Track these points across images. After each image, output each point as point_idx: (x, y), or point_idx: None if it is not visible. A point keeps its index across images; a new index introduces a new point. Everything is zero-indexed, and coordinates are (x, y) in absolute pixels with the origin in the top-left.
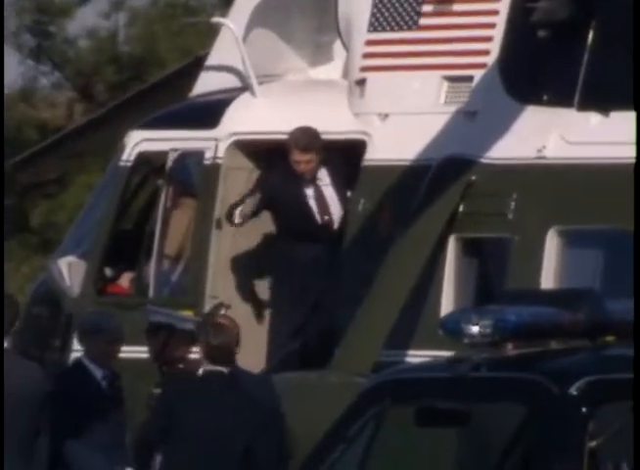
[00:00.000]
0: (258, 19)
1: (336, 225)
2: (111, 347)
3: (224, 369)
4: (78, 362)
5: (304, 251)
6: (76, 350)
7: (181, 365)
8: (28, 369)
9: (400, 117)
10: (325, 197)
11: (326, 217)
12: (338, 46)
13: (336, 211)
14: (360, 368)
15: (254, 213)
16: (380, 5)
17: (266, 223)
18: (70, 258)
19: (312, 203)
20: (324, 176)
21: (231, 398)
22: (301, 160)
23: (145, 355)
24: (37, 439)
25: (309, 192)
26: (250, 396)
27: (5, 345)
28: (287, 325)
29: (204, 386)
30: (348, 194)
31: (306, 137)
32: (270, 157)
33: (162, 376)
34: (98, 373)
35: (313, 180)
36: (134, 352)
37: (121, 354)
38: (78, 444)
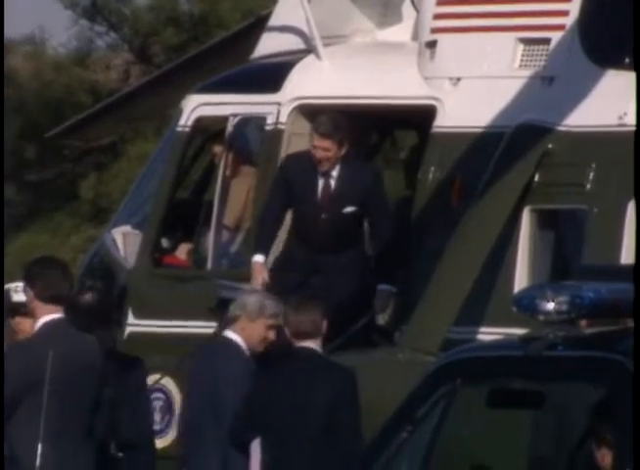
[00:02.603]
0: None
1: (340, 225)
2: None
3: (312, 345)
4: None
5: (298, 242)
6: (131, 323)
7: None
8: (85, 341)
9: (473, 81)
10: (331, 193)
11: (323, 216)
12: (407, 6)
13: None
14: (429, 346)
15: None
16: None
17: None
18: (125, 228)
19: (318, 196)
20: (342, 172)
21: (323, 374)
22: (319, 145)
23: (207, 331)
24: (96, 413)
25: (320, 184)
26: (340, 369)
27: (60, 316)
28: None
29: (295, 364)
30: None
31: (328, 124)
32: None
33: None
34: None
35: (327, 174)
36: (193, 326)
37: (179, 329)
38: None
